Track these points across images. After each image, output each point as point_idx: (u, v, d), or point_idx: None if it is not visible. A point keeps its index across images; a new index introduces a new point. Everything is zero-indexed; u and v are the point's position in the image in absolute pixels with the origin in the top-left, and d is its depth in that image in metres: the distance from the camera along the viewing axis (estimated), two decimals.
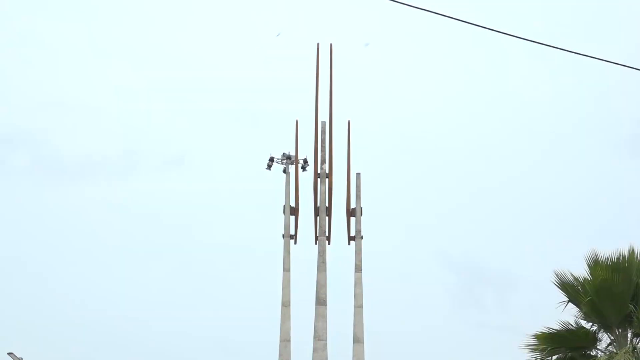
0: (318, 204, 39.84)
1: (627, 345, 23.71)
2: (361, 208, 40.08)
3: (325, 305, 39.39)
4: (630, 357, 23.27)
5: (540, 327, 24.50)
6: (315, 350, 37.34)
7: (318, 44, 39.36)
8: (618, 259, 23.92)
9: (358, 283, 39.12)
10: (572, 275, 24.33)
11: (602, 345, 24.29)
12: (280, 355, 37.78)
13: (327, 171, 39.13)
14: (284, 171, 39.02)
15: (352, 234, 39.53)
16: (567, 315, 24.51)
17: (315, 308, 38.08)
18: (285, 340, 39.08)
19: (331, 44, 39.04)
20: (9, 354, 27.74)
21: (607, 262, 24.00)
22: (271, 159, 38.63)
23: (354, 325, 39.76)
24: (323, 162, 39.61)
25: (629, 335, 23.99)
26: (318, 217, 39.88)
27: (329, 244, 39.87)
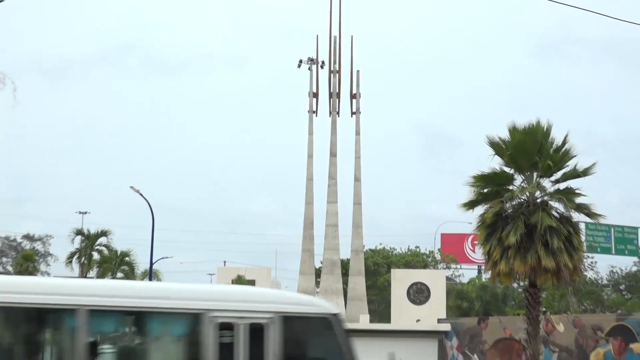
0: (331, 90, 50.83)
1: (533, 182, 28.33)
2: (360, 93, 51.08)
3: (336, 156, 50.30)
4: (534, 189, 28.18)
5: (478, 172, 28.83)
6: (329, 185, 47.73)
7: None
8: (529, 126, 28.21)
9: (357, 142, 50.84)
10: (498, 137, 28.56)
11: (517, 183, 28.78)
12: (306, 190, 48.08)
13: (337, 69, 50.22)
14: (309, 69, 50.12)
15: (354, 110, 50.79)
16: (494, 163, 28.79)
17: (330, 158, 48.71)
18: (309, 179, 49.72)
19: None
20: (131, 187, 31.56)
21: (521, 129, 28.28)
22: (300, 61, 50.17)
23: (355, 169, 50.59)
24: (334, 62, 50.46)
25: (535, 176, 28.73)
26: (331, 99, 50.81)
27: (338, 116, 51.03)
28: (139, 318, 13.25)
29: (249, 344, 12.88)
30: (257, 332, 12.99)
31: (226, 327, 12.93)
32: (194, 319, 12.99)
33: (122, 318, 13.38)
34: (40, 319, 12.92)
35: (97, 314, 12.58)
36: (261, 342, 12.95)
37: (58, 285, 14.19)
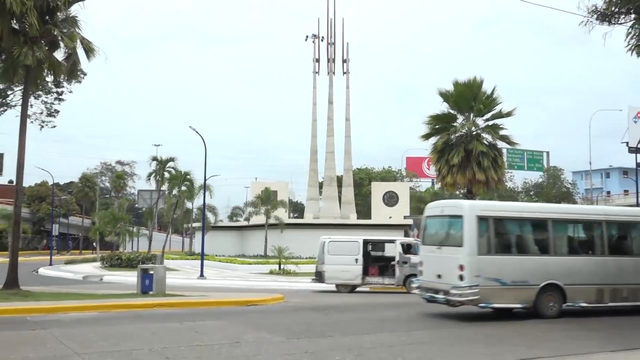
0: (328, 57, 49.93)
1: (470, 120, 27.87)
2: (349, 58, 50.28)
3: (332, 103, 50.67)
4: (471, 125, 27.59)
5: (432, 113, 28.54)
6: (328, 124, 48.03)
7: None
8: (467, 81, 27.96)
9: (347, 93, 52.17)
10: (446, 89, 27.99)
11: (458, 121, 28.37)
12: (312, 128, 47.81)
13: (333, 42, 49.44)
14: (313, 42, 49.70)
15: (345, 71, 50.26)
16: (443, 107, 28.37)
17: (328, 105, 48.45)
18: (314, 120, 49.54)
19: None
20: (190, 127, 30.10)
21: (462, 83, 27.94)
22: (306, 36, 49.61)
23: (345, 112, 50.62)
24: (331, 37, 49.64)
25: (471, 116, 28.07)
26: (328, 63, 49.96)
27: (334, 75, 50.67)
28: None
29: None
30: None
31: None
32: None
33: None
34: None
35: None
36: None
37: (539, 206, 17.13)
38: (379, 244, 23.60)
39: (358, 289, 22.26)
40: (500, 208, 15.30)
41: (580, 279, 14.25)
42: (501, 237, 14.35)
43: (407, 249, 21.89)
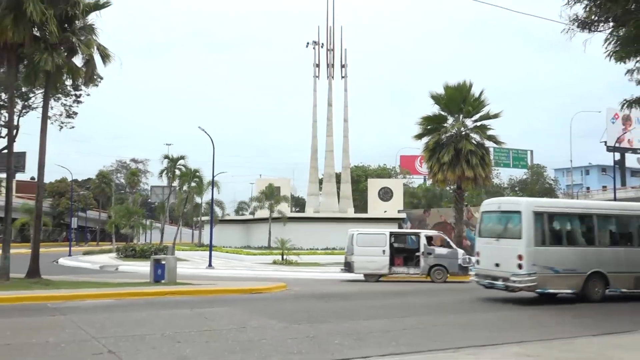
0: (328, 62, 49.69)
1: (459, 121, 28.03)
2: (347, 63, 50.01)
3: (332, 105, 50.20)
4: (460, 126, 27.81)
5: (424, 114, 28.77)
6: (327, 125, 47.40)
7: None
8: (457, 85, 27.91)
9: (345, 96, 51.67)
10: (436, 92, 28.14)
11: (449, 122, 28.41)
12: (312, 128, 47.59)
13: (332, 48, 49.17)
14: (313, 48, 49.20)
15: (343, 75, 49.99)
16: (435, 109, 28.51)
17: (327, 107, 48.38)
18: (314, 121, 49.15)
19: None
20: (199, 127, 29.42)
21: (452, 86, 27.92)
22: (307, 43, 48.58)
23: (344, 114, 50.33)
24: (330, 44, 49.42)
25: (461, 117, 28.09)
26: (328, 68, 49.73)
27: (332, 79, 50.21)
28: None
29: None
30: None
31: None
32: None
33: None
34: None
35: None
36: None
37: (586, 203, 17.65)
38: (403, 236, 23.60)
39: (381, 278, 22.03)
40: (552, 204, 16.31)
41: (621, 268, 15.05)
42: (553, 230, 15.00)
43: (430, 241, 21.98)
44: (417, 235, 22.61)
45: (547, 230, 14.62)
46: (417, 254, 21.84)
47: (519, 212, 14.41)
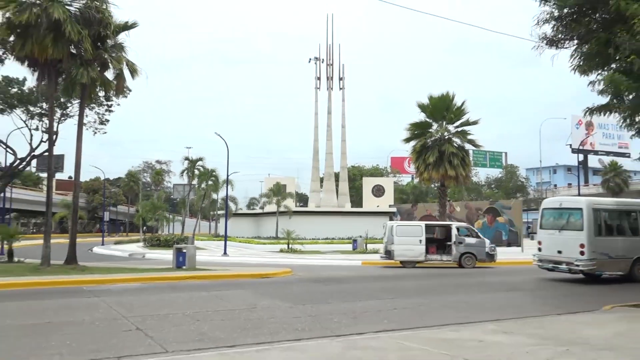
0: (327, 75, 49.38)
1: (443, 127, 27.41)
2: (344, 76, 50.14)
3: (331, 113, 49.93)
4: (444, 131, 27.44)
5: (412, 120, 28.46)
6: (327, 130, 47.01)
7: (327, 14, 50.00)
8: (440, 95, 27.73)
9: (343, 105, 50.81)
10: (423, 102, 27.86)
11: (434, 127, 27.78)
12: (314, 133, 47.26)
13: (331, 63, 48.67)
14: (315, 63, 48.69)
15: (341, 87, 49.79)
16: (421, 117, 28.09)
17: (327, 115, 48.03)
18: (315, 127, 48.74)
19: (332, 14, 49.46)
20: (215, 132, 30.05)
21: (436, 96, 27.76)
22: (309, 59, 48.55)
23: (342, 120, 49.74)
24: (329, 59, 49.03)
25: (444, 123, 27.61)
26: (327, 80, 49.51)
27: (332, 90, 50.02)
28: None
29: None
30: None
31: None
32: None
33: None
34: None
35: None
36: None
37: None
38: (436, 227, 23.40)
39: (416, 265, 21.79)
40: (606, 203, 16.72)
41: None
42: (607, 223, 15.87)
43: (459, 231, 21.90)
44: (449, 226, 22.42)
45: (602, 223, 15.63)
46: (448, 243, 21.77)
47: (580, 209, 15.43)
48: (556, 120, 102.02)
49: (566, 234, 15.72)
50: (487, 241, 22.20)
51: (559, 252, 15.75)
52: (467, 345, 6.73)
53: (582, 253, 15.05)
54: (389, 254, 21.75)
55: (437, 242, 22.34)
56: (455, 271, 20.01)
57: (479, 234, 22.90)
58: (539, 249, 16.68)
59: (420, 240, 21.50)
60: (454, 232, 21.71)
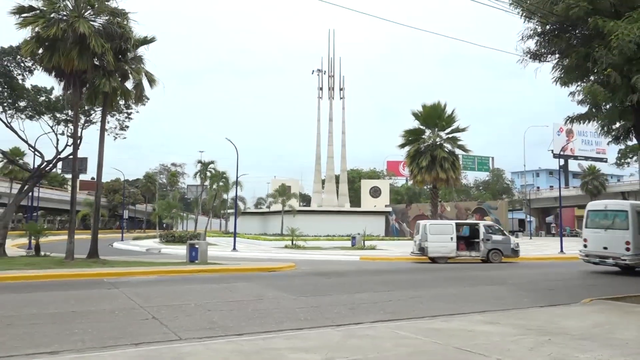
0: (329, 86, 49.25)
1: (435, 133, 27.39)
2: (344, 87, 49.78)
3: (332, 120, 49.95)
4: (436, 137, 27.29)
5: (406, 127, 28.58)
6: (328, 136, 46.65)
7: (329, 29, 50.09)
8: (433, 104, 27.83)
9: (343, 113, 50.68)
10: (416, 110, 27.94)
11: (426, 134, 27.53)
12: (316, 138, 47.00)
13: (332, 74, 48.57)
14: (318, 74, 48.69)
15: (341, 96, 49.41)
16: (415, 124, 28.20)
17: (328, 122, 48.06)
18: (318, 133, 48.54)
19: (333, 30, 49.53)
20: (226, 138, 29.82)
21: (429, 105, 27.64)
22: (312, 70, 48.43)
23: (342, 127, 49.59)
24: (331, 71, 48.86)
25: (436, 130, 27.29)
26: (329, 90, 49.47)
27: (333, 99, 49.89)
28: None
29: None
30: None
31: None
32: None
33: None
34: None
35: None
36: None
37: None
38: (466, 226, 23.12)
39: (448, 260, 21.40)
40: None
41: None
42: None
43: (488, 229, 21.67)
44: (477, 225, 22.13)
45: None
46: (477, 240, 21.55)
47: (625, 211, 16.15)
48: (539, 127, 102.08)
49: (611, 233, 16.36)
50: (512, 238, 22.08)
51: (605, 248, 16.34)
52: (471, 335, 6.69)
53: (627, 249, 15.77)
54: (422, 250, 21.34)
55: (465, 239, 22.12)
56: (485, 266, 19.78)
57: (505, 232, 22.72)
58: (585, 246, 17.17)
59: (452, 238, 21.22)
60: (482, 230, 21.50)
